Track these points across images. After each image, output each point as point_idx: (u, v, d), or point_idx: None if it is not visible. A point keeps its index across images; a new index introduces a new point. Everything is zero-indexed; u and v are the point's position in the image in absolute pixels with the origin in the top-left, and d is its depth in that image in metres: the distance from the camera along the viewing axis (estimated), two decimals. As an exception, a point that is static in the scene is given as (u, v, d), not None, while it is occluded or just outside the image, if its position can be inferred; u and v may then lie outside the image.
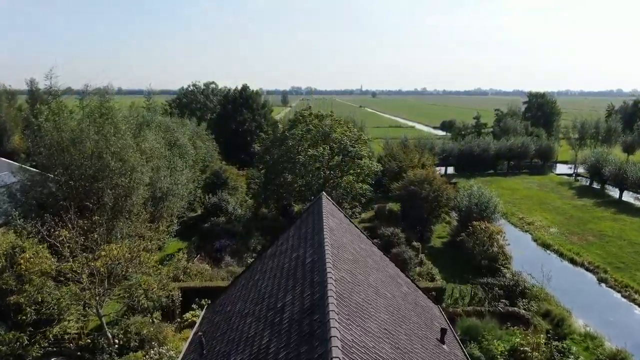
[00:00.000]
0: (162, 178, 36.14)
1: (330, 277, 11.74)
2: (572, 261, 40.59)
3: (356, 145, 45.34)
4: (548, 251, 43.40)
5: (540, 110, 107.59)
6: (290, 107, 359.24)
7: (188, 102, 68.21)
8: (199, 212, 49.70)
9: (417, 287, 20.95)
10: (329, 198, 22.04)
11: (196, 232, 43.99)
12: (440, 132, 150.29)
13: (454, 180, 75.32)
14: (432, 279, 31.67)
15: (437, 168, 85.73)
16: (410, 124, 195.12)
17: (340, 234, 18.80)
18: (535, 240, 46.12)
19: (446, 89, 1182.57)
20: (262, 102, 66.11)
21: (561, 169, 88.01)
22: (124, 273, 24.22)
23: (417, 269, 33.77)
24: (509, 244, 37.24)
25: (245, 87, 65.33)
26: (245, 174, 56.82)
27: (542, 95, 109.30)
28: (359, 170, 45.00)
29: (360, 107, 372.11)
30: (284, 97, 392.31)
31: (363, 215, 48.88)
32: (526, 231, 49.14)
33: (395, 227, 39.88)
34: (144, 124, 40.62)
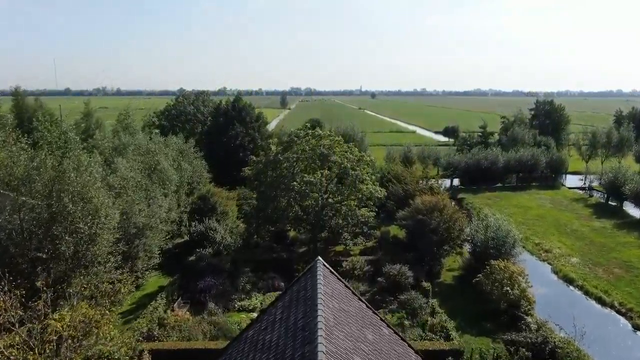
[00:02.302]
0: (138, 212, 31.73)
1: None
2: (600, 301, 36.19)
3: (357, 168, 41.00)
4: (571, 287, 39.04)
5: (549, 117, 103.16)
6: (290, 109, 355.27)
7: (177, 114, 63.78)
8: (186, 237, 45.31)
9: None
10: (326, 265, 17.58)
11: (181, 264, 39.63)
12: (443, 138, 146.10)
13: (460, 196, 71.28)
14: (447, 336, 27.26)
15: (442, 181, 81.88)
16: (411, 128, 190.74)
17: (340, 320, 14.58)
18: (555, 273, 41.75)
19: (446, 89, 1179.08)
20: (256, 115, 61.68)
21: (572, 180, 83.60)
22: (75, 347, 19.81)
23: (429, 320, 29.35)
24: (531, 286, 32.82)
25: (237, 99, 60.90)
26: (236, 194, 52.40)
27: (550, 102, 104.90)
28: (360, 196, 40.67)
29: (360, 109, 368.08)
30: (283, 99, 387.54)
31: (365, 244, 44.52)
32: (544, 260, 44.75)
33: (401, 263, 35.51)
34: (120, 148, 36.26)
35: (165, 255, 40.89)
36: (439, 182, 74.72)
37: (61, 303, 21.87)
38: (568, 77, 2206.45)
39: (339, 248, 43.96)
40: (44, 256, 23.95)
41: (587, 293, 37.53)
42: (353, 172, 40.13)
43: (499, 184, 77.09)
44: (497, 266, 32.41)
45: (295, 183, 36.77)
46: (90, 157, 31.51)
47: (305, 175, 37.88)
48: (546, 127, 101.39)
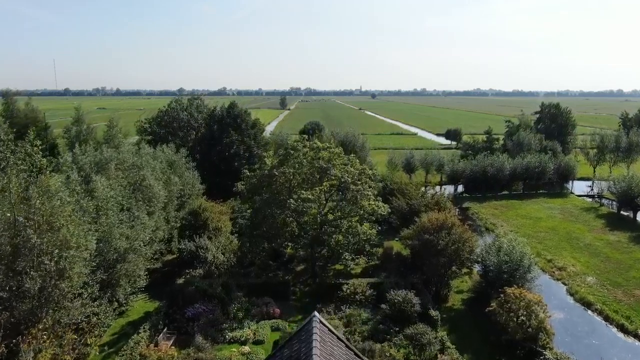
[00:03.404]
0: (118, 236, 28.89)
1: None
2: (623, 329, 33.37)
3: (359, 182, 38.19)
4: (589, 311, 36.22)
5: (554, 121, 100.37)
6: (289, 109, 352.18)
7: (170, 121, 60.93)
8: (177, 253, 42.50)
9: None
10: (323, 322, 14.74)
11: (169, 285, 36.82)
12: (445, 141, 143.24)
13: (465, 205, 68.47)
14: (460, 378, 24.44)
15: (445, 189, 79.14)
16: (413, 130, 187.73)
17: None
18: (571, 294, 38.92)
19: (446, 89, 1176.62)
20: (253, 121, 58.82)
21: (579, 187, 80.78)
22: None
23: (439, 357, 26.55)
24: (549, 316, 30.00)
25: (232, 105, 58.05)
26: (230, 207, 49.60)
27: (556, 106, 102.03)
28: (361, 212, 37.87)
29: (360, 109, 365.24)
30: (283, 100, 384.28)
31: (368, 263, 41.70)
32: (558, 279, 41.94)
33: (406, 288, 32.71)
34: (102, 162, 33.41)
35: (153, 276, 38.17)
36: (443, 189, 72.25)
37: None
38: (568, 76, 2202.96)
39: (340, 266, 41.17)
40: (5, 295, 21.14)
41: (607, 319, 34.72)
42: (354, 187, 37.34)
43: (505, 192, 74.31)
44: (512, 294, 29.60)
45: (291, 201, 33.95)
46: (66, 176, 28.77)
47: (303, 191, 35.04)
48: (552, 131, 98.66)
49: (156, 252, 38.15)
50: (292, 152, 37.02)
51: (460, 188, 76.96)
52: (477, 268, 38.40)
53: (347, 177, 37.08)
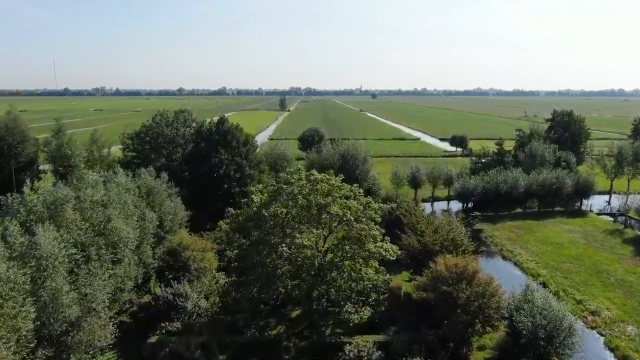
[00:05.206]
0: (68, 301, 23.39)
1: None
2: (680, 401, 27.87)
3: (363, 219, 32.71)
4: (636, 375, 30.73)
5: (567, 129, 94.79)
6: (289, 110, 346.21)
7: (154, 137, 55.39)
8: (153, 301, 36.86)
9: None
10: None
11: (142, 343, 31.33)
12: (450, 147, 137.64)
13: (477, 226, 62.92)
14: None
15: (455, 206, 73.64)
16: (415, 134, 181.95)
17: None
18: (611, 349, 33.38)
19: (446, 89, 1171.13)
20: (244, 138, 53.26)
21: (597, 202, 75.37)
22: None
23: None
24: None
25: (222, 121, 52.47)
26: (217, 238, 44.00)
27: (569, 114, 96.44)
28: (365, 255, 32.37)
29: (361, 111, 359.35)
30: (282, 101, 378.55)
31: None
32: (592, 328, 36.37)
33: (420, 346, 27.28)
34: (58, 203, 27.81)
35: (123, 327, 32.71)
36: (454, 214, 66.28)
37: None
38: (568, 76, 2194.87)
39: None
40: None
41: (659, 387, 29.26)
42: (358, 226, 31.85)
43: (519, 209, 68.77)
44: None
45: (284, 248, 28.40)
46: (3, 229, 23.30)
47: (298, 234, 29.53)
48: (565, 140, 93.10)
49: (126, 302, 32.73)
50: (284, 187, 31.47)
51: (469, 203, 71.41)
52: (504, 323, 32.77)
53: (350, 214, 31.56)
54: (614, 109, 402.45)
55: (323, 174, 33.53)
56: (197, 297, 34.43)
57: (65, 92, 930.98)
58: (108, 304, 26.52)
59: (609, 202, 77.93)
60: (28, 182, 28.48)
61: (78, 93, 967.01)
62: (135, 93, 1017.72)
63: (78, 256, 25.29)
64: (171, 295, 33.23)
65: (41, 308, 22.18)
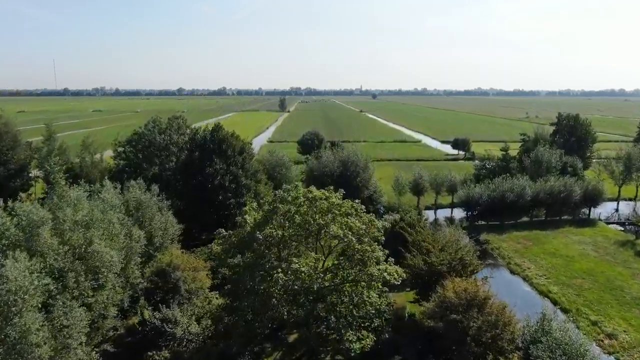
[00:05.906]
0: (37, 340, 21.06)
1: None
2: None
3: (365, 240, 30.39)
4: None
5: (573, 134, 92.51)
6: (289, 111, 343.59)
7: (146, 145, 53.06)
8: (140, 326, 34.50)
9: None
10: None
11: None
12: (451, 150, 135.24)
13: (483, 237, 60.59)
14: None
15: (457, 213, 71.27)
16: (417, 136, 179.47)
17: None
18: (631, 381, 31.09)
19: (446, 89, 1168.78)
20: (240, 146, 50.89)
21: (605, 209, 72.97)
22: None
23: None
24: None
25: (216, 128, 50.12)
26: (210, 254, 41.71)
27: (575, 117, 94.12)
28: (367, 278, 30.05)
29: (361, 111, 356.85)
30: (282, 102, 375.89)
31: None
32: (610, 353, 34.02)
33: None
34: (35, 225, 25.49)
35: (107, 355, 30.50)
36: (458, 222, 63.85)
37: None
38: (569, 76, 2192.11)
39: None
40: None
41: None
42: (360, 247, 29.53)
43: (526, 218, 66.45)
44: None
45: (280, 275, 26.07)
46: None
47: (295, 260, 27.22)
48: (570, 145, 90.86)
49: (109, 329, 30.45)
50: (280, 206, 29.15)
51: (474, 211, 68.99)
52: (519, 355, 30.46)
53: (351, 235, 29.24)
54: (614, 109, 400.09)
55: (322, 191, 31.20)
56: (188, 322, 32.11)
57: (65, 92, 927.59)
58: (86, 339, 24.17)
59: (617, 210, 75.61)
60: (1, 202, 26.14)
61: (78, 93, 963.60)
62: (135, 93, 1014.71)
63: (52, 287, 22.96)
64: (159, 321, 30.90)
65: (8, 349, 19.88)
